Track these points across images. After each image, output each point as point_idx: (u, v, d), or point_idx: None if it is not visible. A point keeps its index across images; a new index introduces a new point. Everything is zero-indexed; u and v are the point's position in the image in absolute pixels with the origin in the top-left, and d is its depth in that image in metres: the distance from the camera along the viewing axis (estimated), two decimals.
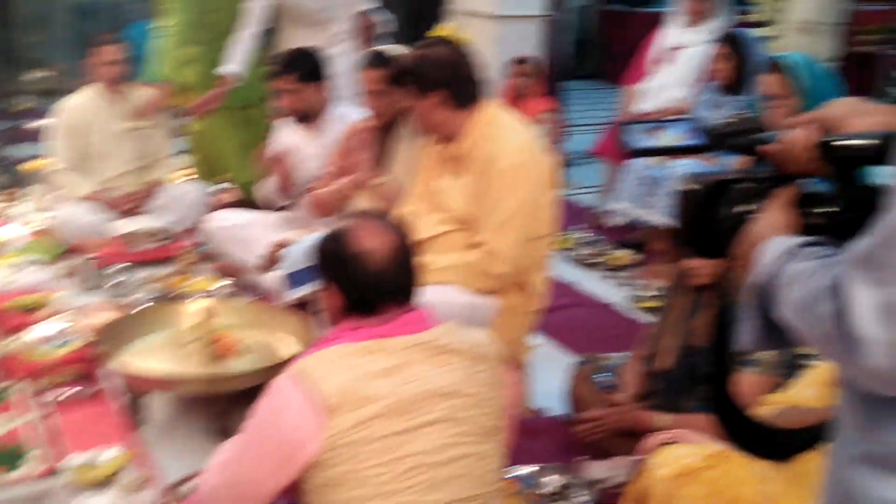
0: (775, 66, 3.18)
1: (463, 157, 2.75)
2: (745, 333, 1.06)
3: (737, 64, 4.28)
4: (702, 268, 2.39)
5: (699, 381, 2.40)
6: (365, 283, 1.76)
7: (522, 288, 2.79)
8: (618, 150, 4.81)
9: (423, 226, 2.76)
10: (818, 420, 1.15)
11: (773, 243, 1.04)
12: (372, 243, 1.76)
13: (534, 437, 2.74)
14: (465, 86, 2.74)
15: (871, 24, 7.71)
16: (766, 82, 3.22)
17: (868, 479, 0.94)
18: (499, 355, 1.83)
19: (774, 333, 1.02)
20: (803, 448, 1.18)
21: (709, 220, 1.17)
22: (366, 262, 1.75)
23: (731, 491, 1.87)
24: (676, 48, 4.82)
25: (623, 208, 4.54)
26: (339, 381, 1.63)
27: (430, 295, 2.07)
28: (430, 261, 2.53)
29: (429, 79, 2.71)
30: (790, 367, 2.14)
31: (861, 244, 0.88)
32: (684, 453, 1.99)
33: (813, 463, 1.14)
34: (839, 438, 1.01)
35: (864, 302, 0.85)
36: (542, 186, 2.73)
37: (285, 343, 2.99)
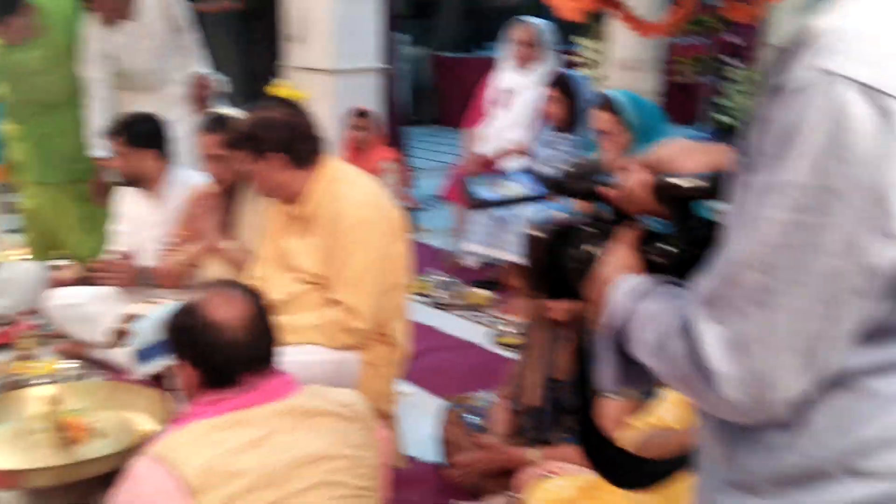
0: (604, 103, 3.33)
1: (308, 216, 2.73)
2: (605, 376, 1.07)
3: (568, 104, 4.45)
4: (557, 307, 2.44)
5: (566, 413, 2.45)
6: (220, 356, 1.70)
7: (384, 339, 2.78)
8: (463, 196, 4.89)
9: (276, 287, 2.71)
10: (682, 445, 1.18)
11: (620, 285, 1.05)
12: (224, 314, 1.71)
13: (409, 486, 2.72)
14: (303, 146, 2.72)
15: (687, 57, 8.23)
16: (597, 120, 3.37)
17: None
18: (369, 412, 1.81)
19: (633, 372, 1.03)
20: (669, 476, 1.20)
21: (556, 265, 1.18)
22: (219, 335, 1.70)
23: None
24: (510, 91, 4.97)
25: (475, 249, 4.61)
26: (201, 460, 1.57)
27: (291, 356, 2.02)
28: (288, 321, 2.48)
29: (266, 142, 2.68)
30: (651, 390, 2.20)
31: (703, 282, 0.91)
32: (559, 486, 2.02)
33: (685, 486, 1.17)
34: (703, 465, 1.03)
35: (712, 339, 0.88)
36: (391, 237, 2.74)
37: (141, 422, 2.85)
